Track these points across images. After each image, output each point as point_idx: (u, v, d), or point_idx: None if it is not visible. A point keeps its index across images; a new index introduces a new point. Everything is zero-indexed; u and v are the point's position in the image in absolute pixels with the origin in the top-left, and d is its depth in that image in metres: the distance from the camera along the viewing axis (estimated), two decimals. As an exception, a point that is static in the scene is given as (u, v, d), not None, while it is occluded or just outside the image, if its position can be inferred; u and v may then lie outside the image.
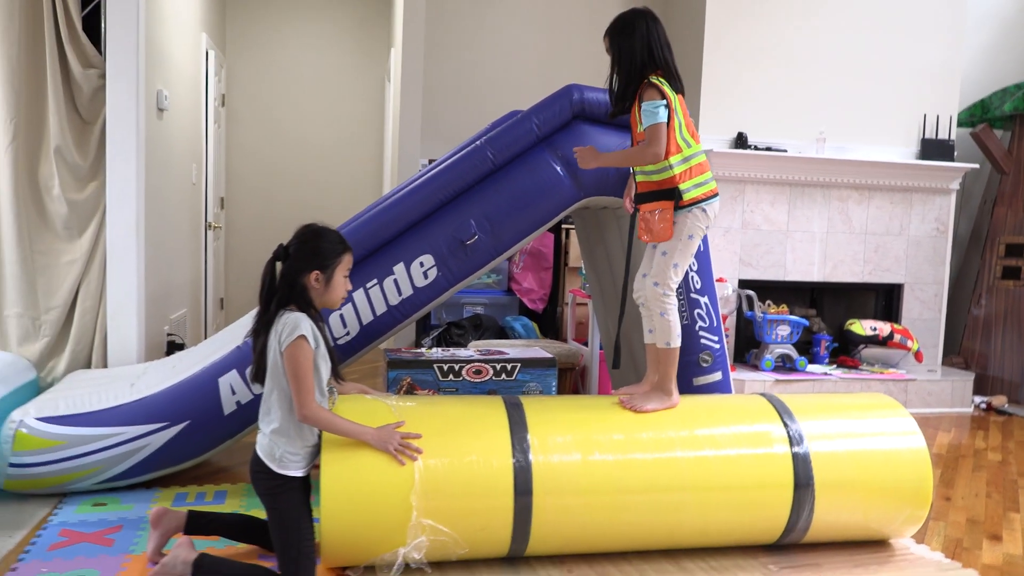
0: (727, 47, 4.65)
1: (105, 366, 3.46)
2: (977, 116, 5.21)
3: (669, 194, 2.37)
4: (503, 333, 4.52)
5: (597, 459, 2.09)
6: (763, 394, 2.47)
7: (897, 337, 4.75)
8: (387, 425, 2.08)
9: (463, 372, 2.67)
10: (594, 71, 5.20)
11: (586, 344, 4.41)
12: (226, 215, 5.94)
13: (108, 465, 2.66)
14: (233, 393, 2.71)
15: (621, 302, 3.15)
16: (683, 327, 3.23)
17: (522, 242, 2.98)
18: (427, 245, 2.82)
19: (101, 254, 3.46)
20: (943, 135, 4.91)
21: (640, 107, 2.36)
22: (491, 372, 2.68)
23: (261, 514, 2.21)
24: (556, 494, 2.05)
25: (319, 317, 2.09)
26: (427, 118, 4.88)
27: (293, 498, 2.04)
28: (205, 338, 5.21)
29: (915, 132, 4.93)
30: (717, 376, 3.20)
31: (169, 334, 4.09)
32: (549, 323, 4.81)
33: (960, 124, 5.26)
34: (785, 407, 2.35)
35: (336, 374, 2.17)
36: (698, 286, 3.22)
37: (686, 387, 3.23)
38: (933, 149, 4.87)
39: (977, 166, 5.00)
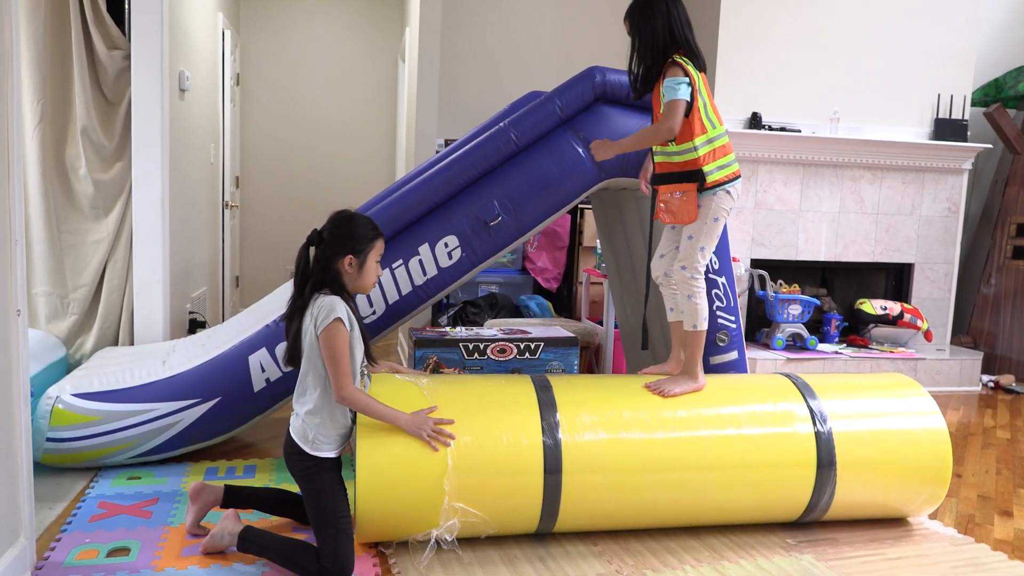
0: (742, 27, 4.65)
1: (132, 343, 3.53)
2: (991, 96, 5.22)
3: (692, 176, 2.38)
4: (518, 312, 4.58)
5: (624, 438, 2.15)
6: (785, 374, 2.52)
7: (907, 317, 4.80)
8: (421, 411, 2.12)
9: (488, 351, 2.73)
10: (612, 51, 5.23)
11: (600, 323, 4.47)
12: (241, 194, 5.98)
13: (142, 440, 2.73)
14: (263, 371, 2.78)
15: (646, 284, 3.22)
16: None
17: (544, 223, 3.04)
18: (451, 226, 2.87)
19: (127, 233, 3.51)
20: (956, 115, 4.93)
21: (663, 84, 2.37)
22: (515, 351, 2.74)
23: (293, 488, 2.30)
24: (584, 472, 2.11)
25: (352, 300, 2.14)
26: (443, 98, 4.90)
27: (327, 478, 2.08)
28: (223, 316, 5.28)
29: (928, 112, 4.94)
30: (733, 355, 3.26)
31: (190, 312, 4.16)
32: (563, 302, 4.87)
33: (974, 104, 5.26)
34: (807, 386, 2.40)
35: (369, 356, 2.22)
36: (716, 267, 3.27)
37: (705, 367, 3.31)
38: (946, 129, 4.88)
39: (991, 146, 5.01)
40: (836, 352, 4.63)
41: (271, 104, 6.10)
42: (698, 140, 2.35)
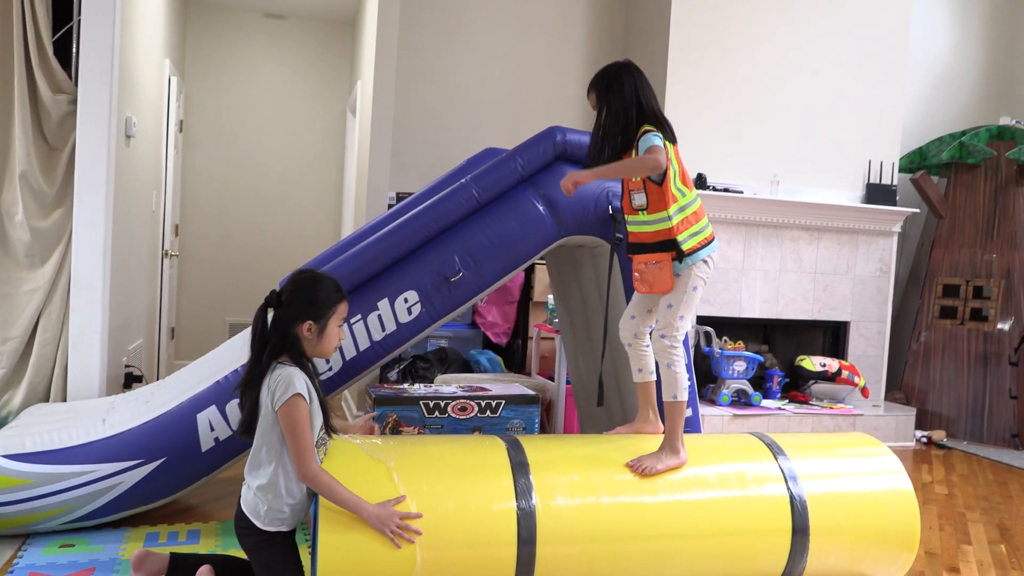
0: (689, 91, 4.83)
1: (64, 399, 3.34)
2: (916, 163, 5.52)
3: (667, 245, 2.37)
4: (468, 367, 4.53)
5: (602, 503, 2.10)
6: (754, 433, 2.54)
7: (845, 373, 4.95)
8: (387, 502, 1.97)
9: (448, 409, 2.67)
10: (561, 108, 5.35)
11: (551, 378, 4.46)
12: (180, 242, 5.81)
13: (78, 504, 2.57)
14: (212, 429, 2.66)
15: (603, 341, 3.23)
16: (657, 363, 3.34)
17: (503, 279, 3.03)
18: (411, 281, 2.83)
19: (64, 283, 3.36)
20: (886, 180, 5.19)
21: (637, 147, 2.36)
22: (476, 409, 2.69)
23: (242, 554, 2.15)
24: (558, 543, 2.05)
25: (312, 368, 2.04)
26: (395, 152, 4.90)
27: (280, 553, 1.99)
28: (158, 369, 5.07)
29: (861, 177, 5.19)
30: (688, 412, 3.29)
31: (127, 365, 3.98)
32: (513, 357, 4.85)
33: (901, 170, 5.55)
34: (778, 446, 2.41)
35: (328, 426, 2.10)
36: (671, 324, 3.32)
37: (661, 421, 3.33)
38: (877, 194, 5.13)
39: (917, 210, 5.28)
40: (779, 408, 4.72)
41: (214, 152, 5.99)
42: (671, 209, 2.35)
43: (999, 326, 5.05)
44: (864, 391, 4.97)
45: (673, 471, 2.30)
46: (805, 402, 4.95)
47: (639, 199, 2.42)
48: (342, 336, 2.11)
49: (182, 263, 5.88)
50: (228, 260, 6.04)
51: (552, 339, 4.60)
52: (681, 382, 2.41)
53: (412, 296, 2.83)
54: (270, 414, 1.94)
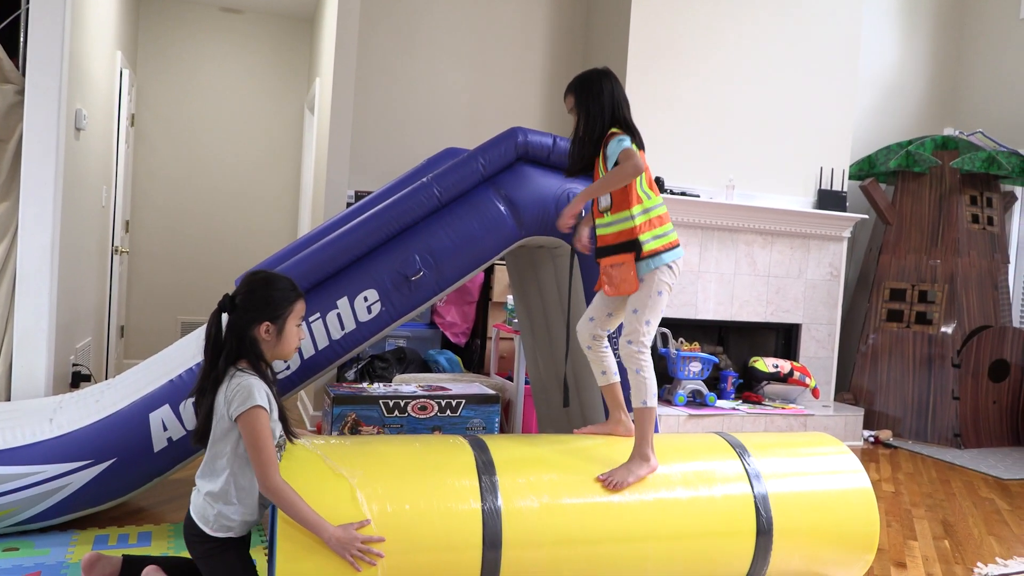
0: (647, 94, 4.88)
1: (8, 398, 3.24)
2: (865, 170, 5.66)
3: (629, 246, 2.39)
4: (427, 367, 4.51)
5: (566, 504, 2.10)
6: (719, 433, 2.57)
7: (796, 374, 5.06)
8: (350, 525, 1.89)
9: (408, 408, 2.66)
10: (520, 110, 5.36)
11: (510, 379, 4.47)
12: (131, 239, 5.67)
13: (24, 506, 2.49)
14: (165, 429, 2.60)
15: (566, 342, 3.24)
16: (619, 365, 3.37)
17: (463, 279, 3.03)
18: (371, 279, 2.81)
19: (9, 279, 3.25)
20: (837, 187, 5.32)
21: (605, 152, 2.41)
22: (436, 408, 2.68)
23: None
24: (523, 547, 2.04)
25: (272, 374, 2.00)
26: (354, 150, 4.86)
27: (231, 559, 1.94)
28: (107, 368, 4.94)
29: (812, 183, 5.31)
30: (645, 412, 3.32)
31: (75, 364, 3.87)
32: (471, 357, 4.84)
33: (851, 177, 5.70)
34: (742, 446, 2.44)
35: (288, 431, 2.06)
36: (630, 325, 3.35)
37: (616, 423, 3.36)
38: (828, 199, 5.25)
39: (867, 216, 5.42)
40: (734, 408, 4.80)
41: (167, 147, 5.87)
42: (635, 209, 2.37)
43: (943, 329, 5.21)
44: (815, 392, 5.09)
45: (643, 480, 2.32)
46: (758, 402, 5.04)
47: (605, 200, 2.44)
48: (301, 336, 2.07)
49: (132, 260, 5.74)
50: (180, 258, 5.91)
51: (511, 339, 4.61)
52: (650, 388, 2.41)
53: (372, 295, 2.81)
54: (225, 422, 1.89)
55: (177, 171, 5.89)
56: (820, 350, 5.35)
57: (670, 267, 2.41)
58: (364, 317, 2.81)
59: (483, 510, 2.02)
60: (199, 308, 5.91)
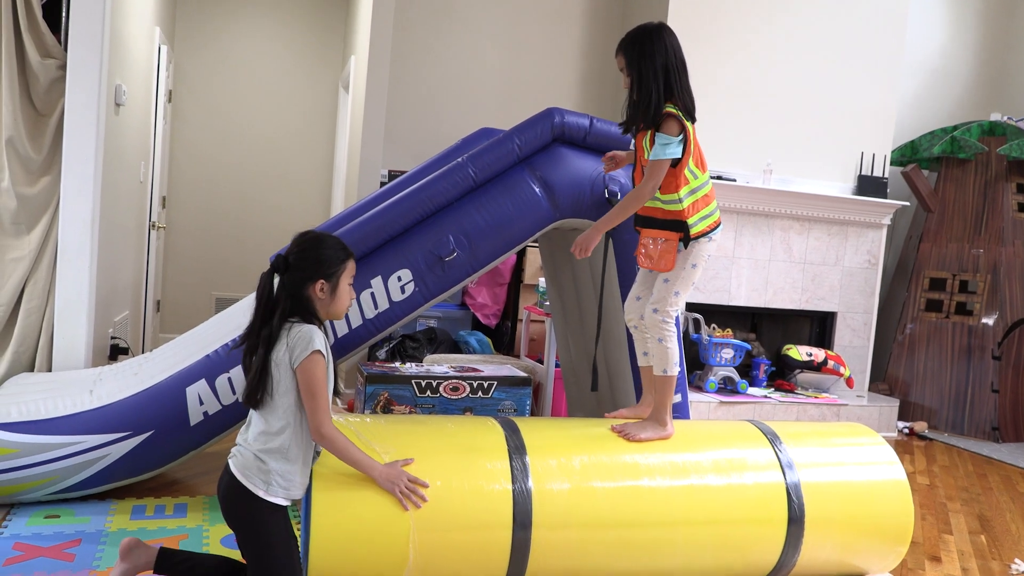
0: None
1: (50, 369, 3.30)
2: (907, 156, 5.54)
3: (676, 226, 2.35)
4: (457, 348, 4.52)
5: (596, 487, 2.11)
6: (751, 421, 2.54)
7: (830, 363, 4.98)
8: (396, 462, 1.98)
9: (440, 389, 2.66)
10: (556, 89, 5.31)
11: (540, 361, 4.46)
12: (167, 214, 5.75)
13: (64, 475, 2.54)
14: (201, 404, 2.64)
15: (596, 325, 3.22)
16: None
17: (496, 260, 3.02)
18: (405, 259, 2.81)
19: (51, 252, 3.31)
20: (878, 173, 5.20)
21: (655, 138, 2.32)
22: (468, 389, 2.68)
23: (237, 554, 2.03)
24: (552, 528, 2.05)
25: (325, 329, 2.01)
26: (388, 129, 4.85)
27: (280, 523, 1.89)
28: (143, 342, 5.02)
29: (852, 169, 5.20)
30: (677, 398, 3.29)
31: (113, 337, 3.94)
32: (502, 339, 4.84)
33: (892, 163, 5.57)
34: (775, 435, 2.41)
35: (336, 391, 2.09)
36: (663, 310, 3.32)
37: (648, 408, 3.34)
38: (868, 186, 5.14)
39: (908, 203, 5.31)
40: (765, 396, 4.75)
41: (203, 123, 5.91)
42: (683, 192, 2.33)
43: (984, 320, 5.09)
44: (849, 381, 5.01)
45: (659, 442, 2.32)
46: (791, 391, 4.98)
47: None
48: (353, 295, 2.06)
49: (169, 235, 5.82)
50: (215, 234, 5.97)
51: (542, 322, 4.60)
52: (672, 356, 2.42)
53: (406, 275, 2.81)
54: (288, 373, 1.89)
55: (212, 148, 5.94)
56: (856, 339, 5.26)
57: (709, 239, 2.38)
58: (398, 297, 2.81)
59: (514, 490, 2.02)
60: (233, 284, 5.98)
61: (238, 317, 3.01)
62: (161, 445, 2.63)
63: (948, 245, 5.32)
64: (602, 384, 3.43)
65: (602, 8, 5.40)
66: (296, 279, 1.94)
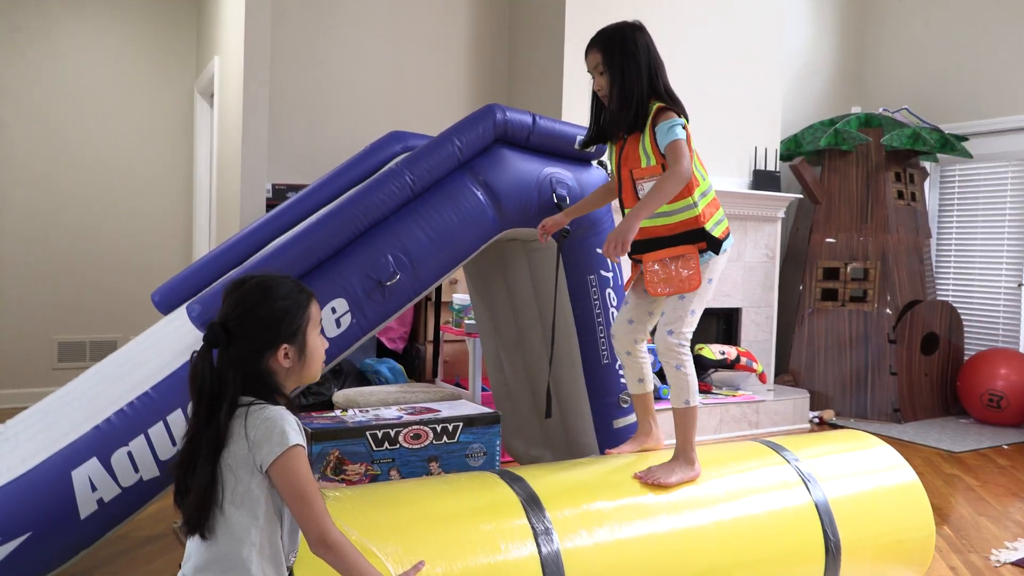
0: (585, 78, 4.57)
1: None
2: (792, 150, 5.62)
3: (689, 237, 2.09)
4: (365, 379, 4.05)
5: (626, 538, 1.79)
6: (764, 441, 2.31)
7: (743, 360, 4.93)
8: (405, 574, 1.57)
9: (400, 438, 2.24)
10: (443, 91, 4.94)
11: (456, 385, 4.08)
12: (-10, 249, 4.83)
13: (-95, 608, 1.89)
14: (93, 490, 2.06)
15: (550, 345, 2.90)
16: (603, 366, 3.06)
17: (439, 280, 2.63)
18: (339, 287, 2.36)
19: None
20: (771, 167, 5.23)
21: (653, 131, 2.09)
22: (431, 435, 2.28)
23: None
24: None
25: (295, 407, 1.50)
26: (268, 137, 4.29)
27: None
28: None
29: (747, 164, 5.20)
30: (633, 418, 3.04)
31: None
32: (413, 364, 4.41)
33: (781, 158, 5.64)
34: (793, 455, 2.20)
35: None
36: (618, 322, 3.05)
37: (606, 431, 3.05)
38: (763, 180, 5.16)
39: (801, 196, 5.38)
40: (689, 400, 4.61)
41: (31, 140, 5.03)
42: (696, 195, 2.08)
43: (878, 306, 5.23)
44: (762, 376, 4.99)
45: (688, 484, 2.04)
46: (707, 391, 4.89)
47: (651, 186, 2.11)
48: (325, 344, 1.58)
49: (-6, 273, 4.90)
50: (54, 269, 5.09)
51: (459, 342, 4.22)
52: (692, 385, 2.18)
53: (341, 305, 2.36)
54: (253, 476, 1.39)
55: (45, 169, 5.06)
56: (760, 333, 5.27)
57: (726, 252, 2.14)
58: (332, 332, 2.36)
59: (541, 556, 1.66)
60: (78, 326, 5.13)
61: (124, 367, 2.43)
62: (42, 549, 2.02)
63: (837, 235, 5.44)
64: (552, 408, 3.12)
65: (491, 2, 5.09)
66: (246, 352, 1.44)
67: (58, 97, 5.07)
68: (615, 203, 2.70)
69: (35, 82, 5.01)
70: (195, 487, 1.38)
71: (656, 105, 2.11)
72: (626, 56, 2.12)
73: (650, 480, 2.01)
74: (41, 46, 5.02)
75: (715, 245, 2.10)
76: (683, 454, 2.10)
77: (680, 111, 2.12)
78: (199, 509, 1.37)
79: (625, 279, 3.11)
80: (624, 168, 2.17)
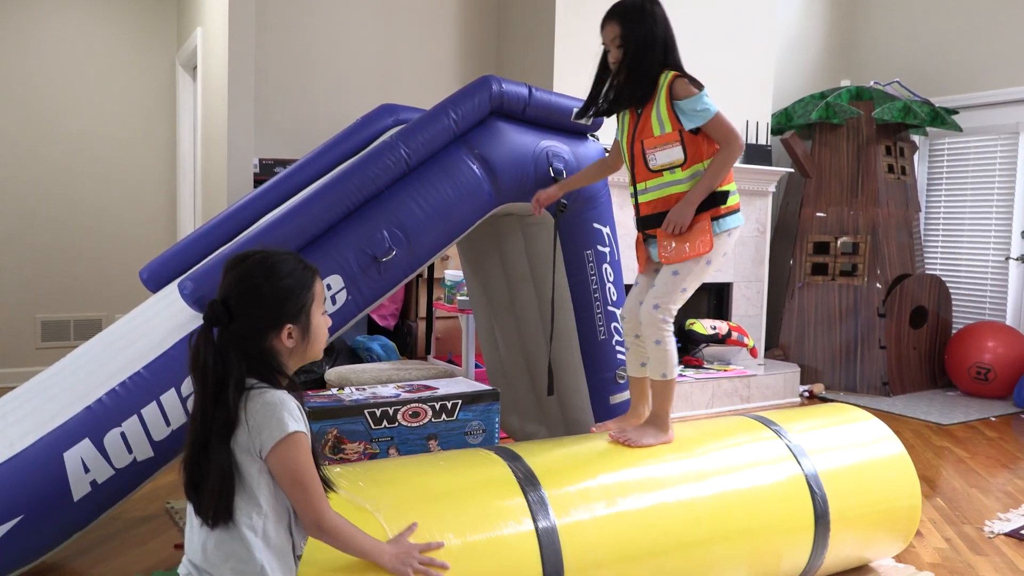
0: (576, 48, 4.52)
1: None
2: (783, 124, 5.59)
3: (705, 202, 2.09)
4: (357, 356, 4.01)
5: (624, 511, 1.79)
6: (755, 416, 2.31)
7: (734, 335, 4.94)
8: (399, 536, 1.54)
9: (398, 416, 2.21)
10: (431, 63, 4.86)
11: (449, 362, 4.06)
12: (-31, 226, 4.73)
13: None
14: (86, 471, 2.02)
15: (551, 321, 2.87)
16: (600, 342, 3.04)
17: (435, 256, 2.59)
18: (334, 263, 2.32)
19: None
20: (762, 141, 5.20)
21: (673, 105, 2.07)
22: (430, 413, 2.25)
23: None
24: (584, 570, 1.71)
25: (298, 388, 1.45)
26: (255, 111, 4.21)
27: None
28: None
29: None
30: (624, 396, 3.03)
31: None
32: (404, 341, 4.37)
33: (772, 132, 5.61)
34: (783, 430, 2.20)
35: (326, 482, 1.52)
36: (614, 298, 3.03)
37: (602, 407, 3.04)
38: (755, 154, 5.13)
39: (792, 170, 5.36)
40: (681, 376, 4.61)
41: (11, 112, 4.91)
42: (707, 161, 2.08)
43: (867, 280, 5.25)
44: (753, 351, 5.00)
45: (667, 446, 2.09)
46: (699, 366, 4.89)
47: (665, 156, 2.08)
48: (329, 322, 1.53)
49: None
50: (36, 246, 5.00)
51: (451, 319, 4.19)
52: (671, 359, 2.17)
53: (336, 281, 2.32)
54: (254, 463, 1.35)
55: (28, 142, 4.95)
56: (751, 308, 5.27)
57: (730, 233, 2.12)
58: (328, 309, 2.31)
59: (538, 531, 1.65)
60: (62, 304, 5.05)
61: (115, 346, 2.38)
62: (34, 532, 1.99)
63: (828, 209, 5.43)
64: (539, 385, 3.11)
65: (477, -26, 5.00)
66: (248, 331, 1.39)
67: (37, 70, 4.94)
68: (614, 177, 2.68)
69: (14, 55, 4.88)
70: (213, 474, 1.33)
71: (671, 73, 2.10)
72: (644, 28, 2.12)
73: (623, 440, 2.05)
74: (21, 17, 4.88)
75: (724, 201, 2.09)
76: (656, 419, 2.13)
77: (697, 83, 2.09)
78: (220, 497, 1.33)
79: (621, 255, 3.10)
80: (637, 140, 2.15)
